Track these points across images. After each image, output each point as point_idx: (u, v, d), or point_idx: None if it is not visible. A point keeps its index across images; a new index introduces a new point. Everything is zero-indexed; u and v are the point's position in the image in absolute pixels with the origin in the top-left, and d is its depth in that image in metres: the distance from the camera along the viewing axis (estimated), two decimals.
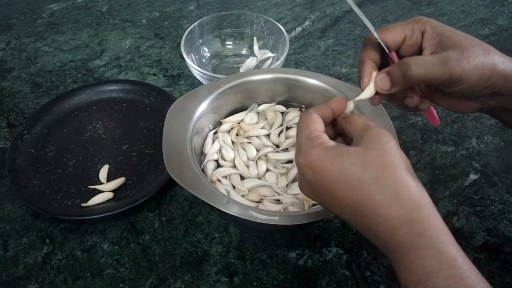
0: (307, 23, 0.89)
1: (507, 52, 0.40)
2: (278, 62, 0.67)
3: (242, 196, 0.51)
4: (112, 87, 0.71)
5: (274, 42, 0.74)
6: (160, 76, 0.77)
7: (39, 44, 0.87)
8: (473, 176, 0.58)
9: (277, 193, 0.51)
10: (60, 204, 0.56)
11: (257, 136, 0.58)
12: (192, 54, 0.73)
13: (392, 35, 0.40)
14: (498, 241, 0.51)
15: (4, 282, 0.49)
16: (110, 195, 0.56)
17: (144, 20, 0.92)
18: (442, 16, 0.89)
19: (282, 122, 0.59)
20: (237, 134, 0.58)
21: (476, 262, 0.49)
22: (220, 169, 0.54)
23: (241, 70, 0.73)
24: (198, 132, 0.55)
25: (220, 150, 0.56)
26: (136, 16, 0.94)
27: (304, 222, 0.44)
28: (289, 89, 0.60)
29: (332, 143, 0.36)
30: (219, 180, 0.53)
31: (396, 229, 0.31)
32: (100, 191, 0.57)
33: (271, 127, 0.59)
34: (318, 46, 0.82)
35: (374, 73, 0.40)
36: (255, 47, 0.76)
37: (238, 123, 0.59)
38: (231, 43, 0.78)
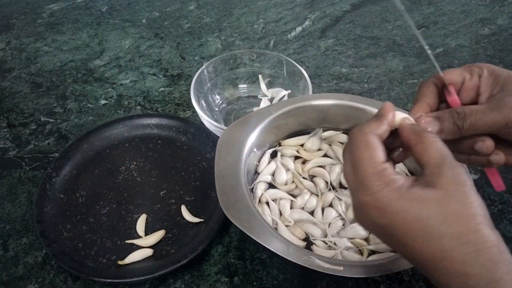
0: (307, 23, 0.89)
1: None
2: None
3: (286, 226, 0.48)
4: (146, 122, 0.65)
5: (289, 75, 0.67)
6: (160, 76, 0.77)
7: (39, 44, 0.87)
8: (473, 176, 0.58)
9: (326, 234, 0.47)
10: (95, 262, 0.49)
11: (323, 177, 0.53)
12: (202, 101, 0.65)
13: (451, 76, 0.40)
14: None
15: (4, 282, 0.49)
16: (149, 252, 0.50)
17: (144, 20, 0.92)
18: (442, 16, 0.89)
19: None
20: (303, 163, 0.54)
21: None
22: (271, 191, 0.51)
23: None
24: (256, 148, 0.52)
25: (274, 172, 0.53)
26: (136, 16, 0.94)
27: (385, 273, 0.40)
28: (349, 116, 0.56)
29: (401, 180, 0.32)
30: (267, 203, 0.50)
31: (470, 287, 0.30)
32: (138, 247, 0.51)
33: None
34: (318, 46, 0.82)
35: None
36: (263, 86, 0.69)
37: (298, 149, 0.56)
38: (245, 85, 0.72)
